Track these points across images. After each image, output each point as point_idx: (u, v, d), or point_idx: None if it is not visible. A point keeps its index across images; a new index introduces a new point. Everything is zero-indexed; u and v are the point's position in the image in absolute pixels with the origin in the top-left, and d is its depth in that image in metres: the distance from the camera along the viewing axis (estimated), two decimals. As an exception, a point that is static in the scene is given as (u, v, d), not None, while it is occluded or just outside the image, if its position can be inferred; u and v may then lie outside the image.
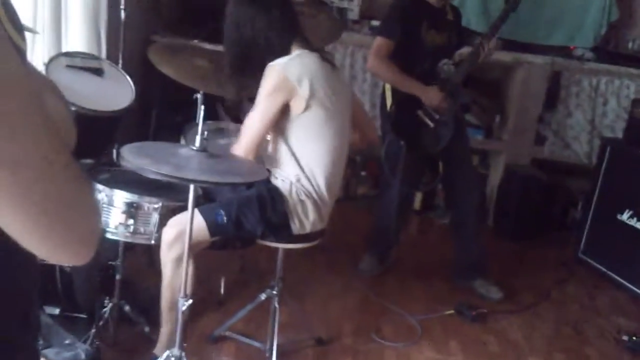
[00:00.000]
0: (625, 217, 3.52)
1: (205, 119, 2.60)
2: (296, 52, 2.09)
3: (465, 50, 3.25)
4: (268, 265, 2.78)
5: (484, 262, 3.31)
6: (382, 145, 3.16)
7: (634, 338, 2.92)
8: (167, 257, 2.10)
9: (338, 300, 3.04)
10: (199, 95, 2.79)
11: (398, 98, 3.07)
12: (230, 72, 2.15)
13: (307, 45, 2.14)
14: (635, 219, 3.46)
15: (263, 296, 2.48)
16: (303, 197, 2.16)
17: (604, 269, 3.63)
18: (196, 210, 1.94)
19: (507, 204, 4.10)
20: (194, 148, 1.75)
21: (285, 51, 2.09)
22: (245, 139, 2.09)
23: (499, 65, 4.13)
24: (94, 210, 0.68)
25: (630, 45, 4.36)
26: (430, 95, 3.02)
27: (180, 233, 2.04)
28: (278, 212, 2.14)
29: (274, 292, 2.43)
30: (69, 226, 0.62)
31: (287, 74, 2.03)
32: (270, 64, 2.05)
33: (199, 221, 2.00)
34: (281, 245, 2.27)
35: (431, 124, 3.06)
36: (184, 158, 1.74)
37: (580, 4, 4.23)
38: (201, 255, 2.20)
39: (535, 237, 4.06)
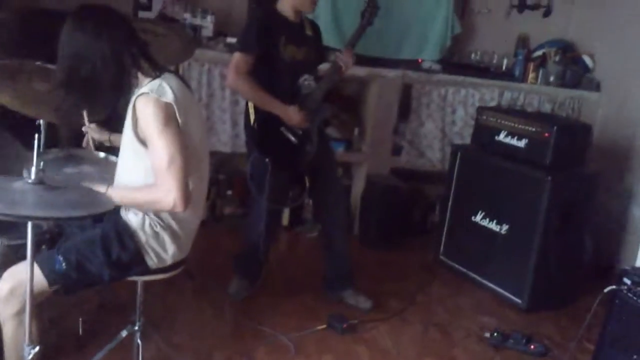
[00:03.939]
0: (478, 218, 3.73)
1: (48, 146, 2.42)
2: (159, 77, 1.97)
3: (325, 66, 3.28)
4: (130, 298, 2.60)
5: (352, 273, 3.35)
6: (247, 162, 3.11)
7: (495, 334, 3.08)
8: (6, 314, 1.93)
9: (209, 328, 2.92)
10: (41, 121, 2.58)
11: (260, 114, 3.03)
12: (69, 100, 1.97)
13: (156, 65, 2.04)
14: (487, 219, 3.68)
15: (124, 333, 2.32)
16: (158, 229, 2.04)
17: (464, 269, 3.82)
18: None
19: (370, 213, 4.21)
20: (30, 181, 1.58)
21: (129, 75, 1.97)
22: (172, 176, 1.89)
23: (354, 79, 4.25)
24: None
25: (472, 56, 4.66)
26: (290, 114, 3.02)
27: (14, 287, 1.89)
28: (128, 250, 2.01)
29: (136, 328, 2.28)
30: None
31: (166, 99, 1.91)
32: (142, 93, 1.92)
33: (35, 270, 1.82)
34: (138, 278, 2.14)
35: (294, 140, 3.06)
36: (19, 192, 1.57)
37: (425, 19, 4.45)
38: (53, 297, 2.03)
39: (398, 243, 4.20)
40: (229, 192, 4.34)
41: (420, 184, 4.60)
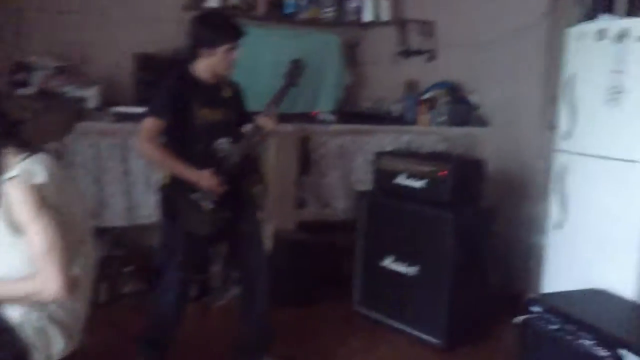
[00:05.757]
0: (389, 262, 3.71)
1: None
2: (30, 158, 1.83)
3: (247, 127, 3.15)
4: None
5: (272, 337, 3.21)
6: (159, 229, 2.95)
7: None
8: None
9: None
10: None
11: (172, 180, 2.91)
12: None
13: (26, 145, 1.89)
14: (398, 262, 3.67)
15: None
16: (43, 323, 1.86)
17: (380, 317, 3.77)
18: None
19: (281, 271, 4.09)
20: None
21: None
22: (53, 263, 1.74)
23: (251, 137, 4.19)
24: None
25: (365, 104, 4.75)
26: (204, 180, 2.88)
27: None
28: (9, 350, 1.81)
29: None
30: None
31: (38, 181, 1.77)
32: (11, 176, 1.77)
33: None
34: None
35: (209, 206, 2.92)
36: None
37: (317, 72, 4.51)
38: None
39: (313, 298, 4.10)
40: (128, 269, 4.09)
41: (330, 235, 4.56)
